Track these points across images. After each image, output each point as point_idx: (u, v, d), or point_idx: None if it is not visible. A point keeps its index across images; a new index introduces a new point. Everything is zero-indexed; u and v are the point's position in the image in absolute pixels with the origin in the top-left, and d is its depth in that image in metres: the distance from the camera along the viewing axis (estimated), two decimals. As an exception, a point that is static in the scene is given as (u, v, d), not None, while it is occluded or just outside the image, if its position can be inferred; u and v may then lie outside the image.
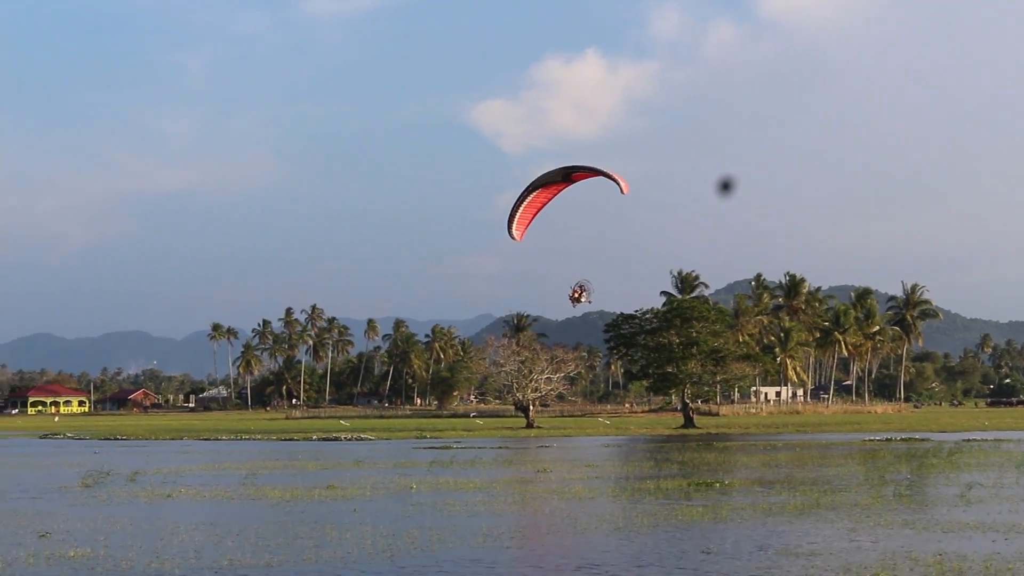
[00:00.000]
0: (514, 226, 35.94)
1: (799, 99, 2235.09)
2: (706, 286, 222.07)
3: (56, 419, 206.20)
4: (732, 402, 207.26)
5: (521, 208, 35.83)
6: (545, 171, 35.86)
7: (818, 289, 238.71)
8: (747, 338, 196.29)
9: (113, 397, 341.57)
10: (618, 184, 34.33)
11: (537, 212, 36.51)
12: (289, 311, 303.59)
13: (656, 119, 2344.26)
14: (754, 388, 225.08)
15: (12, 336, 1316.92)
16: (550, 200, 36.38)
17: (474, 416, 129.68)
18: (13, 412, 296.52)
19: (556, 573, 25.80)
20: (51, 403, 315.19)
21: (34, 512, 39.30)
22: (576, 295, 39.09)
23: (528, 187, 35.48)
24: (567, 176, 35.11)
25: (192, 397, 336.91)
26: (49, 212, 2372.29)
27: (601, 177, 34.81)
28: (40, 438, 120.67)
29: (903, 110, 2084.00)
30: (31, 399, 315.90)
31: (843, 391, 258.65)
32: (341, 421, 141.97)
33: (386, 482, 50.39)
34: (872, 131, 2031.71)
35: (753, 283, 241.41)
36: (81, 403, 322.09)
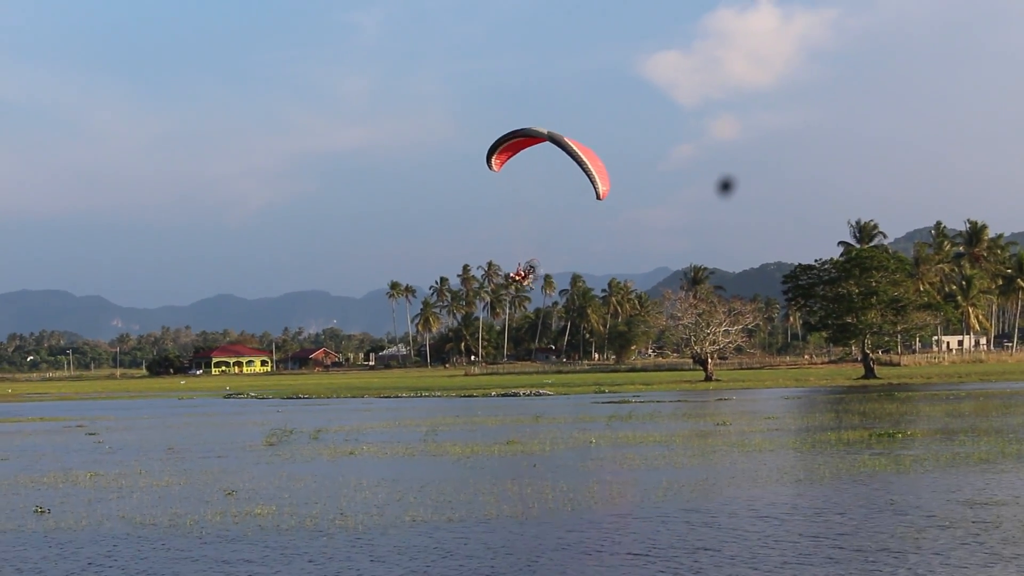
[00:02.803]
0: (494, 158, 35.57)
1: (978, 43, 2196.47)
2: (884, 235, 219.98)
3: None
4: (913, 352, 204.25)
5: (503, 145, 35.46)
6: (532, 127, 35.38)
7: (1000, 236, 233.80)
8: (928, 287, 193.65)
9: (294, 356, 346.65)
10: (595, 188, 33.80)
11: (518, 151, 36.11)
12: (466, 268, 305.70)
13: (833, 67, 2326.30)
14: (936, 337, 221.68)
15: (195, 298, 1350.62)
16: (531, 146, 36.02)
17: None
18: (198, 373, 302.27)
19: (735, 520, 25.66)
20: (234, 363, 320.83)
21: (220, 470, 40.08)
22: (519, 276, 37.15)
23: (514, 131, 35.16)
24: (552, 139, 34.60)
25: (372, 355, 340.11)
26: (228, 174, 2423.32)
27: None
28: (224, 397, 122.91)
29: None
30: (215, 359, 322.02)
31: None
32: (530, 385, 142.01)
33: (565, 437, 50.53)
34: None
35: (933, 231, 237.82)
36: (263, 363, 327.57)
